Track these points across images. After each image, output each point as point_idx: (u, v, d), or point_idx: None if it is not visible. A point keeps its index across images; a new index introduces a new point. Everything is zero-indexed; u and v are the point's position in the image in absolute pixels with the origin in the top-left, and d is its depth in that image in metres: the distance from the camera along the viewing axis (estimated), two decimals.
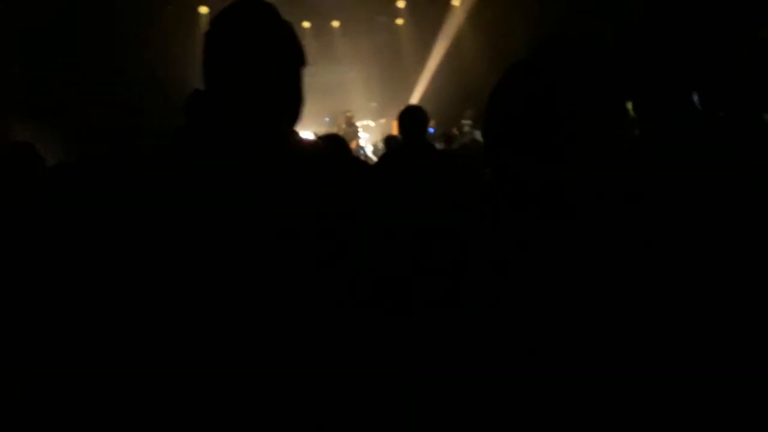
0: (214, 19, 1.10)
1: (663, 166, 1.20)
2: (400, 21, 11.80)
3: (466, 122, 9.61)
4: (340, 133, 7.54)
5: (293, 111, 1.10)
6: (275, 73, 1.07)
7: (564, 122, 0.97)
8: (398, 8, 11.46)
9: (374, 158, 9.21)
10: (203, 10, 10.30)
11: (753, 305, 0.92)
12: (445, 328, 0.95)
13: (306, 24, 10.46)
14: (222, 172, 1.01)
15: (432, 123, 6.87)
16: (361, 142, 10.51)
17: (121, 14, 7.94)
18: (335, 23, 11.49)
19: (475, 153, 6.68)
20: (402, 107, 3.61)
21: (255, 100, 1.05)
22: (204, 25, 9.95)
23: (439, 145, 6.79)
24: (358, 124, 11.37)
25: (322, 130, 9.24)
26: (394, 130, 9.30)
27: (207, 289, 0.96)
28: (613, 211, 0.96)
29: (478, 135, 9.07)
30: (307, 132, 7.35)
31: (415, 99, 11.16)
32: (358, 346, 1.00)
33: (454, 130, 9.42)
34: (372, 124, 11.82)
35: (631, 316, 0.90)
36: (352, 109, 10.85)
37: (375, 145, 10.89)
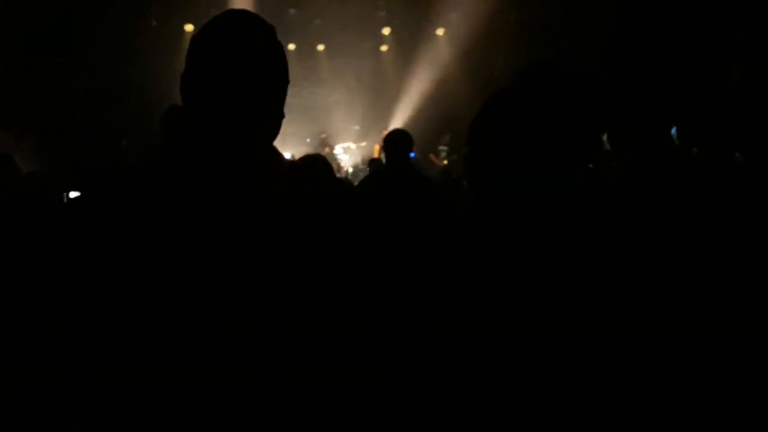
0: (201, 29, 1.08)
1: (637, 203, 1.23)
2: (384, 47, 11.97)
3: (443, 148, 9.79)
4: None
5: (274, 126, 1.08)
6: (259, 86, 1.04)
7: (543, 151, 0.99)
8: (383, 35, 11.63)
9: (354, 180, 9.24)
10: (189, 27, 10.34)
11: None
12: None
13: (291, 46, 10.54)
14: (208, 186, 1.00)
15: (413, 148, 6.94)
16: (342, 164, 10.59)
17: (105, 28, 7.92)
18: (320, 47, 11.60)
19: (451, 178, 6.75)
20: (384, 131, 3.65)
21: (238, 112, 1.03)
22: (189, 42, 10.03)
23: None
24: (339, 146, 11.45)
25: (302, 151, 9.26)
26: (376, 153, 9.37)
27: (200, 302, 0.96)
28: (593, 244, 0.98)
29: (453, 160, 9.22)
30: (286, 153, 7.37)
31: (396, 124, 11.28)
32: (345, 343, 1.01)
33: (432, 156, 9.56)
34: (353, 146, 11.89)
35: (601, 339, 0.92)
36: (331, 131, 10.95)
37: (355, 167, 10.95)
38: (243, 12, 1.09)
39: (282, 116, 1.10)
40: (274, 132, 1.09)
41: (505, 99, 1.03)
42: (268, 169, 1.07)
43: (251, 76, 1.03)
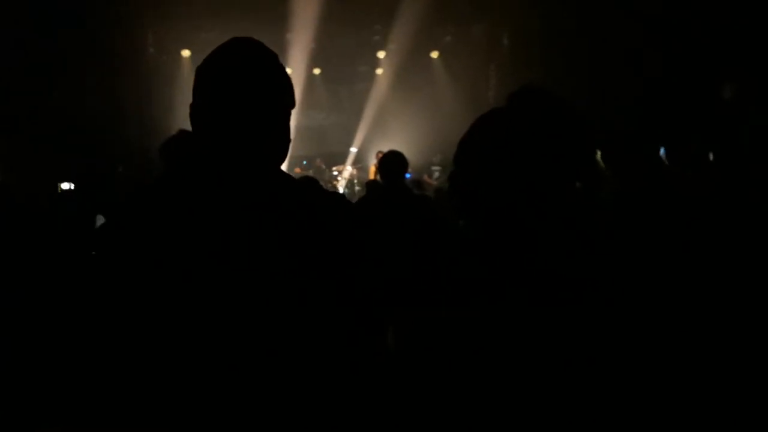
0: (207, 58, 1.09)
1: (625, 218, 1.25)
2: (380, 71, 12.11)
3: (436, 168, 9.88)
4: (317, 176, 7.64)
5: (281, 150, 1.11)
6: (268, 112, 1.07)
7: (533, 171, 1.01)
8: (378, 59, 11.77)
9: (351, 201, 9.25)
10: (185, 53, 10.45)
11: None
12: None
13: (288, 70, 10.60)
14: (223, 210, 1.02)
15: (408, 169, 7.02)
16: (338, 186, 10.65)
17: (103, 53, 8.00)
18: (317, 71, 11.72)
19: (446, 198, 6.77)
20: (379, 153, 3.68)
21: (248, 139, 1.05)
22: (187, 68, 10.14)
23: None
24: (335, 168, 11.52)
25: (298, 173, 9.29)
26: (371, 175, 9.41)
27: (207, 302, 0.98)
28: (577, 254, 1.00)
29: (444, 180, 9.29)
30: None
31: (391, 146, 11.34)
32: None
33: (425, 176, 9.63)
34: (350, 168, 11.96)
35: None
36: (327, 153, 11.05)
37: (351, 189, 11.00)
38: (247, 40, 1.11)
39: (289, 140, 1.12)
40: (283, 155, 1.12)
41: (493, 119, 1.06)
42: (278, 190, 1.09)
43: (259, 102, 1.06)
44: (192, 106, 1.08)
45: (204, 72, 1.09)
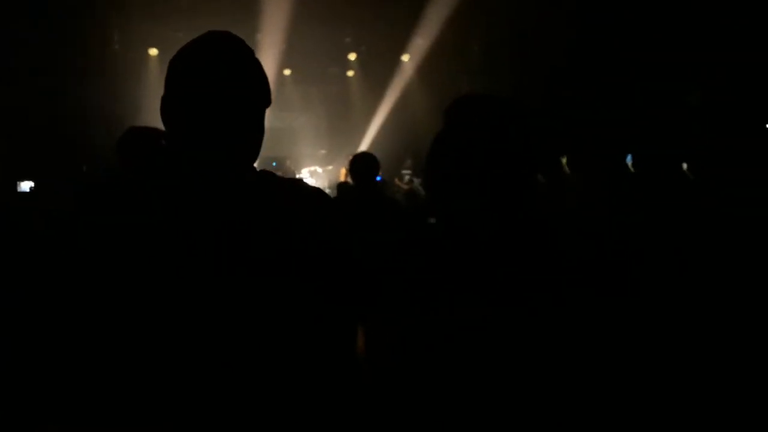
0: (184, 48, 1.07)
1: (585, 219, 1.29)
2: (350, 73, 12.10)
3: (407, 171, 9.95)
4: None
5: (254, 148, 1.09)
6: (244, 108, 1.05)
7: (503, 171, 1.04)
8: (350, 60, 11.77)
9: None
10: (153, 52, 10.27)
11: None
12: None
13: None
14: (193, 205, 1.00)
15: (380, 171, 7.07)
16: None
17: (68, 51, 7.81)
18: (287, 71, 11.66)
19: (416, 199, 6.83)
20: (349, 155, 3.67)
21: (222, 136, 1.03)
22: (154, 66, 9.97)
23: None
24: (305, 170, 11.46)
25: None
26: (342, 177, 9.40)
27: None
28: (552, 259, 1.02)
29: (417, 183, 9.35)
30: None
31: (361, 148, 11.37)
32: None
33: (396, 180, 9.69)
34: (320, 170, 11.92)
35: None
36: (297, 154, 10.98)
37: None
38: (224, 33, 1.09)
39: (262, 136, 1.10)
40: (256, 153, 1.09)
41: (456, 127, 1.09)
42: (249, 187, 1.07)
43: (235, 97, 1.04)
44: (163, 99, 1.05)
45: (178, 64, 1.06)
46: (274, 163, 11.54)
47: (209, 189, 1.02)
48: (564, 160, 2.88)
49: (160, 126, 1.10)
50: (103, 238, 0.97)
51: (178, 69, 1.05)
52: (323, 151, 12.38)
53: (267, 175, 1.10)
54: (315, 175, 11.80)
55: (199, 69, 1.03)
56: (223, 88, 1.03)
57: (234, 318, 0.97)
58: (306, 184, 1.15)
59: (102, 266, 0.96)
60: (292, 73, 11.77)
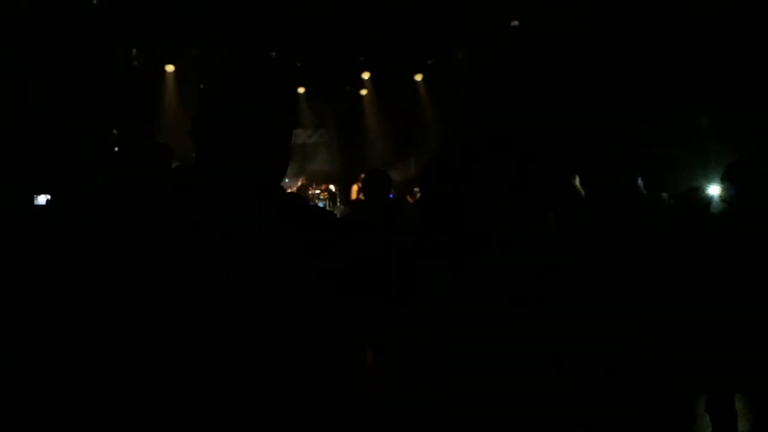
0: (219, 70, 1.12)
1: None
2: (364, 91, 12.20)
3: (418, 189, 9.93)
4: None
5: (281, 169, 1.14)
6: (274, 132, 1.09)
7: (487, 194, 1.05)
8: (363, 79, 11.87)
9: None
10: (169, 68, 10.43)
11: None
12: None
13: None
14: (221, 226, 1.03)
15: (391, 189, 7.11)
16: (320, 205, 10.63)
17: (86, 66, 7.94)
18: (301, 89, 11.79)
19: None
20: (362, 173, 3.69)
21: (253, 158, 1.07)
22: (170, 82, 10.13)
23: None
24: (317, 187, 11.53)
25: None
26: (354, 194, 9.44)
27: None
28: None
29: None
30: None
31: (374, 166, 11.41)
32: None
33: (408, 197, 9.71)
34: (332, 187, 11.98)
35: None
36: (310, 172, 11.05)
37: (333, 208, 11.00)
38: (259, 56, 1.15)
39: (289, 158, 1.15)
40: (283, 172, 1.14)
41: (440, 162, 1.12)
42: (276, 207, 1.11)
43: (267, 119, 1.08)
44: (195, 118, 1.10)
45: (213, 86, 1.11)
46: (286, 180, 11.60)
47: (234, 203, 1.06)
48: (576, 181, 2.88)
49: (176, 141, 1.13)
50: (125, 246, 1.00)
51: (213, 90, 1.11)
52: (336, 169, 12.45)
53: (292, 197, 1.14)
54: (327, 192, 11.85)
55: (235, 92, 1.08)
56: (257, 111, 1.07)
57: (247, 325, 0.99)
58: (321, 209, 1.19)
59: (123, 273, 0.98)
60: (306, 91, 11.89)
